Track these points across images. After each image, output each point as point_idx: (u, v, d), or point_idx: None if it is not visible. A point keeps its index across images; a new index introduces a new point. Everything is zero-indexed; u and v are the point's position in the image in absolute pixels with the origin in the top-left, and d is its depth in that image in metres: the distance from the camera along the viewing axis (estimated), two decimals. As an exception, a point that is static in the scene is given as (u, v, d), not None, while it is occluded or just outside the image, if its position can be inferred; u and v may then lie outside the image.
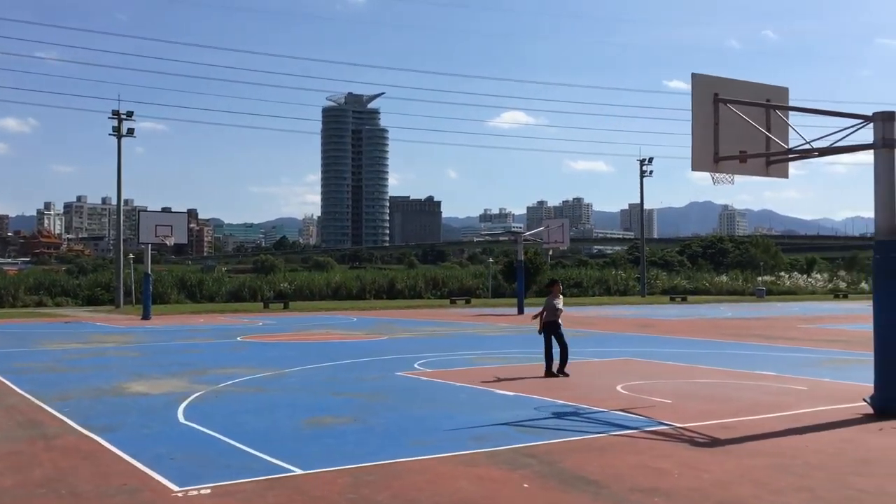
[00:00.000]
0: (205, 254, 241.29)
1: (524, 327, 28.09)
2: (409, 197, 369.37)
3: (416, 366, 16.43)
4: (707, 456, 8.26)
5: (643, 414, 10.55)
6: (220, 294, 56.87)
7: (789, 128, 12.59)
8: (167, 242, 34.68)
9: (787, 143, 12.56)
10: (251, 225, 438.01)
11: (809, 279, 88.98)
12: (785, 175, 12.91)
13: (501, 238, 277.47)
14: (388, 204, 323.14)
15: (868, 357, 17.51)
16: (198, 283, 57.68)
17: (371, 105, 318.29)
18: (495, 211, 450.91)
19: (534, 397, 12.04)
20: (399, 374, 15.10)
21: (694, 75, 11.95)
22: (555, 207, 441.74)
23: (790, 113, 12.73)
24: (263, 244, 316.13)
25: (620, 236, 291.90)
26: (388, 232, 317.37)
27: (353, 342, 22.61)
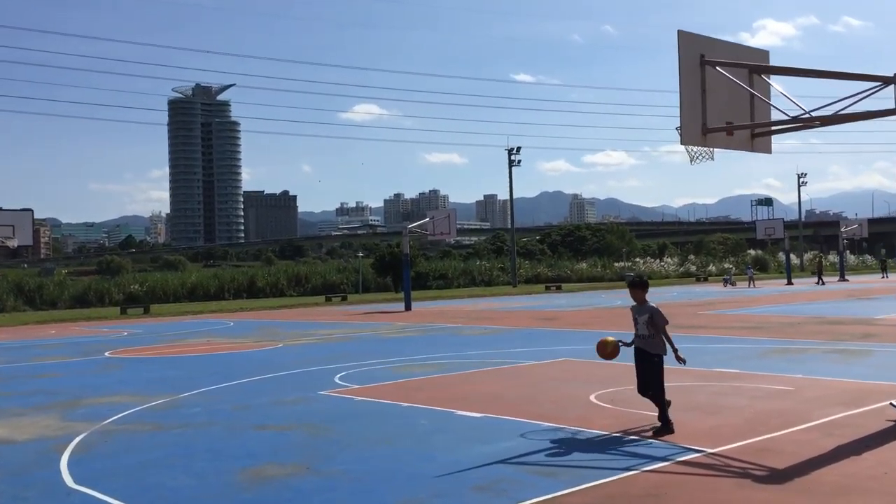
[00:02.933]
0: (42, 256, 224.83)
1: (426, 326, 26.08)
2: (263, 192, 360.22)
3: (336, 380, 14.09)
4: (796, 498, 6.50)
5: (646, 434, 8.75)
6: (64, 299, 52.64)
7: (776, 97, 11.16)
8: (9, 245, 30.37)
9: (770, 113, 11.14)
10: (92, 224, 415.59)
11: (662, 263, 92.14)
12: (768, 150, 11.49)
13: (360, 231, 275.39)
14: (241, 199, 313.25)
15: (817, 345, 16.93)
16: (37, 288, 53.17)
17: (221, 97, 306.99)
18: (352, 204, 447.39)
19: (507, 418, 10.04)
20: (323, 392, 12.73)
21: (680, 33, 10.29)
22: (412, 200, 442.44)
23: (772, 80, 11.28)
24: (107, 244, 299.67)
25: (478, 227, 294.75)
26: (242, 228, 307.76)
27: (245, 353, 19.86)
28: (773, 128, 10.70)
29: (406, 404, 11.34)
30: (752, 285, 52.69)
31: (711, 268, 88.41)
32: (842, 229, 61.55)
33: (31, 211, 36.12)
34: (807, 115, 10.08)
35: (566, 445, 8.53)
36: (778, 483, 6.91)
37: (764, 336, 19.46)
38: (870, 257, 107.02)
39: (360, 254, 76.05)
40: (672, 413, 9.91)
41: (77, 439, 9.73)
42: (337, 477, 7.56)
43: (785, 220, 75.80)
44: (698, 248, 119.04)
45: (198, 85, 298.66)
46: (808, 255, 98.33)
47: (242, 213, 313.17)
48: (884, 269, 65.24)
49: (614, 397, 11.29)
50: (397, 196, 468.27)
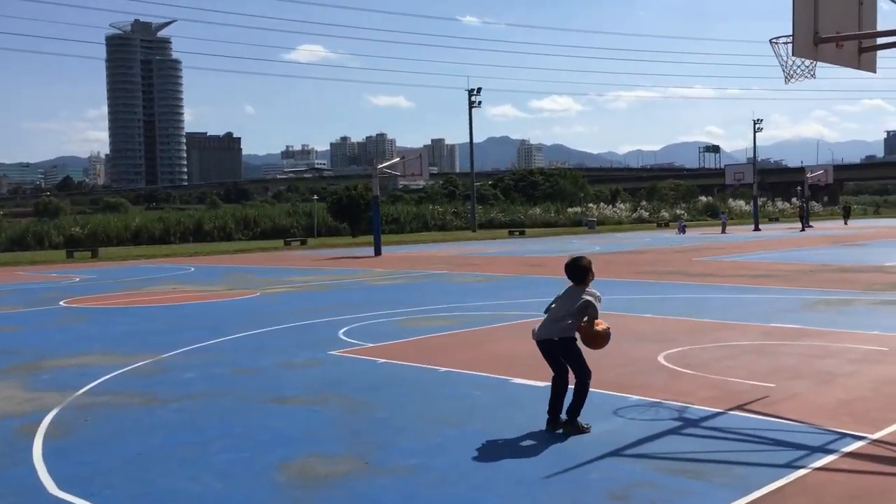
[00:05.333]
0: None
1: (408, 272, 24.23)
2: (206, 133, 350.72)
3: (341, 336, 12.21)
4: None
5: (784, 416, 7.09)
6: (0, 241, 49.79)
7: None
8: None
9: (876, 23, 9.40)
10: (27, 165, 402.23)
11: (615, 209, 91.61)
12: (873, 68, 9.73)
13: (306, 175, 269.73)
14: (184, 140, 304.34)
15: (857, 296, 15.45)
16: (-29, 231, 50.47)
17: (161, 33, 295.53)
18: (298, 147, 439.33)
19: (578, 388, 8.30)
20: (333, 352, 10.85)
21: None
22: (358, 143, 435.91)
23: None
24: (44, 185, 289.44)
25: (412, 173, 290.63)
26: (185, 170, 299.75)
27: (222, 303, 17.77)
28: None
29: (442, 368, 9.53)
30: (724, 231, 51.90)
31: (664, 213, 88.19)
32: (807, 175, 61.03)
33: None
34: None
35: (682, 429, 6.81)
36: None
37: (786, 285, 18.05)
38: (817, 205, 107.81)
39: (315, 197, 73.41)
40: (783, 384, 8.30)
41: (49, 417, 7.72)
42: (411, 477, 5.73)
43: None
44: (651, 194, 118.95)
45: (137, 20, 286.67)
46: (794, 201, 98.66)
47: (185, 155, 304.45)
48: (846, 216, 65.21)
49: (688, 360, 9.62)
50: (344, 139, 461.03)
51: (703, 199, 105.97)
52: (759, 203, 70.14)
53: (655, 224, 74.26)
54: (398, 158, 37.37)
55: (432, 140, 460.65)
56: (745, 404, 7.50)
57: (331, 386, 8.76)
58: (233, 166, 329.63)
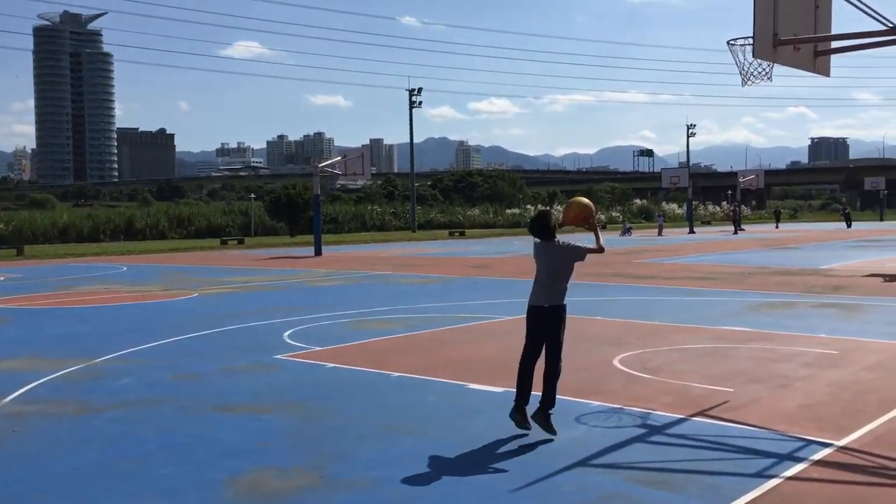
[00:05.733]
0: None
1: (351, 273, 23.79)
2: (138, 129, 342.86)
3: (287, 339, 11.78)
4: None
5: (748, 422, 6.96)
6: None
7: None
8: None
9: (831, 27, 9.42)
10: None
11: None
12: (828, 72, 9.75)
13: (242, 173, 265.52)
14: (115, 136, 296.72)
15: (799, 299, 15.50)
16: None
17: (91, 26, 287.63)
18: (233, 145, 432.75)
19: (535, 394, 8.07)
20: (279, 356, 10.42)
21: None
22: (296, 142, 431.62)
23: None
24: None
25: (354, 172, 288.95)
26: (116, 167, 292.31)
27: (158, 304, 17.10)
28: (870, 40, 8.94)
29: (394, 373, 9.20)
30: (660, 233, 52.59)
31: (600, 216, 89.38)
32: (740, 180, 62.32)
33: None
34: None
35: (647, 437, 6.63)
36: (977, 494, 5.23)
37: (729, 287, 18.20)
38: (746, 209, 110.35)
39: (253, 195, 72.17)
40: (741, 388, 8.21)
41: (-27, 429, 7.16)
42: (371, 492, 5.41)
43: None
44: (587, 196, 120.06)
45: (66, 12, 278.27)
46: (724, 205, 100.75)
47: (116, 151, 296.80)
48: (777, 220, 66.81)
49: (644, 364, 9.48)
50: (281, 138, 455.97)
51: (638, 201, 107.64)
52: (731, 205, 71.41)
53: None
54: (340, 157, 36.84)
55: (371, 140, 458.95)
56: (707, 410, 7.36)
57: (279, 393, 8.36)
58: (166, 163, 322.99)
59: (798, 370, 9.06)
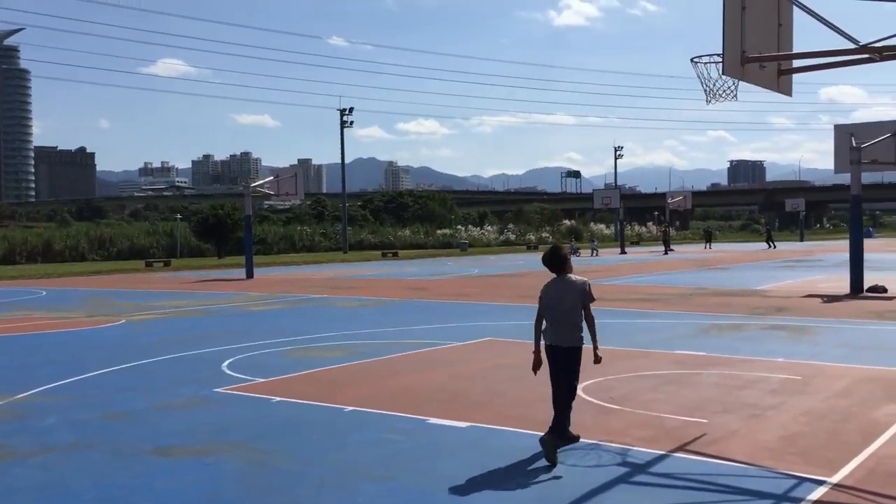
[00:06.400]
0: None
1: (287, 297, 22.98)
2: (57, 147, 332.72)
3: (225, 370, 11.04)
4: None
5: (732, 457, 6.59)
6: None
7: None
8: None
9: (792, 46, 9.27)
10: None
11: (483, 231, 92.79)
12: (790, 92, 9.59)
13: (166, 193, 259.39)
14: (32, 154, 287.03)
15: (747, 321, 15.43)
16: None
17: (8, 41, 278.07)
18: (157, 164, 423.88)
19: (503, 429, 7.60)
20: (220, 390, 9.69)
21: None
22: (222, 162, 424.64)
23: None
24: None
25: (287, 192, 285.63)
26: (33, 186, 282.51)
27: (81, 331, 16.05)
28: (836, 59, 8.77)
29: (347, 407, 8.59)
30: (595, 254, 52.93)
31: (531, 236, 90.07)
32: (668, 201, 63.32)
33: None
34: (878, 45, 8.20)
35: (631, 477, 6.18)
36: None
37: (673, 309, 18.10)
38: (672, 229, 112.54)
39: (179, 216, 70.24)
40: (715, 419, 7.88)
41: None
42: (343, 550, 4.81)
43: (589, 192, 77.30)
44: (518, 217, 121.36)
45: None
46: (650, 225, 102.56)
47: (33, 170, 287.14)
48: (707, 240, 68.03)
49: (610, 393, 9.09)
50: (206, 157, 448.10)
51: (567, 222, 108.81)
52: (662, 226, 72.27)
53: (526, 246, 75.28)
54: (272, 177, 35.92)
55: (299, 160, 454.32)
56: (687, 444, 6.97)
57: (223, 432, 7.66)
58: (86, 183, 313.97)
59: (766, 398, 8.78)
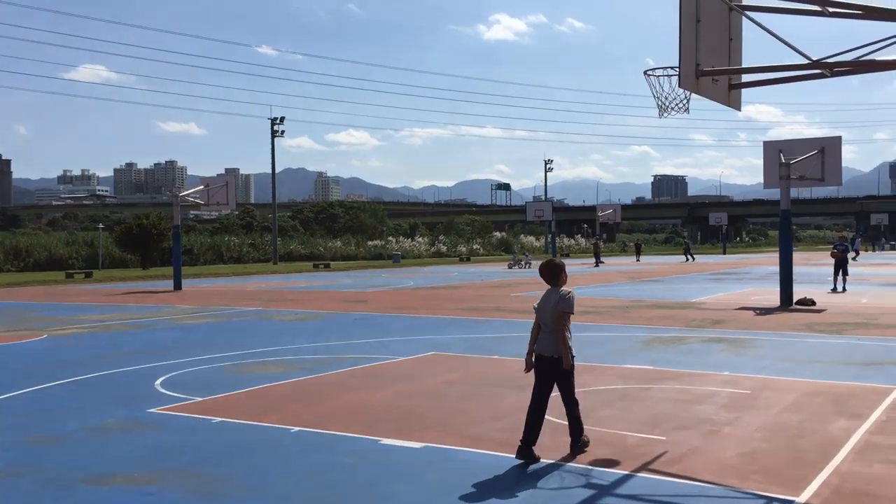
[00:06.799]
0: None
1: (219, 310, 22.30)
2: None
3: (158, 388, 10.51)
4: None
5: (696, 477, 6.46)
6: None
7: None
8: None
9: (741, 60, 9.29)
10: None
11: (414, 243, 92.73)
12: (739, 106, 9.60)
13: (86, 202, 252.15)
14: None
15: (686, 333, 15.41)
16: None
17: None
18: (77, 172, 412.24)
19: (461, 450, 7.31)
20: (154, 410, 9.18)
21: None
22: (146, 170, 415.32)
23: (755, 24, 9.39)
24: None
25: (217, 202, 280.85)
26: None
27: (0, 347, 15.19)
28: (788, 73, 8.77)
29: (294, 428, 8.20)
30: (528, 266, 53.19)
31: (462, 248, 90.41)
32: (599, 213, 64.20)
33: None
34: (830, 60, 8.24)
35: (598, 499, 5.97)
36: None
37: (612, 322, 18.13)
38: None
39: (101, 225, 68.09)
40: (671, 435, 7.77)
41: None
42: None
43: (515, 205, 77.94)
44: (449, 228, 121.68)
45: None
46: (578, 237, 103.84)
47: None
48: (638, 253, 69.14)
49: (561, 409, 8.88)
50: (129, 165, 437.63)
51: (498, 234, 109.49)
52: (592, 239, 72.95)
53: (458, 258, 75.32)
54: (202, 186, 35.02)
55: (226, 169, 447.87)
56: (649, 463, 6.81)
57: (163, 457, 7.20)
58: (1, 190, 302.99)
59: (720, 413, 8.72)
